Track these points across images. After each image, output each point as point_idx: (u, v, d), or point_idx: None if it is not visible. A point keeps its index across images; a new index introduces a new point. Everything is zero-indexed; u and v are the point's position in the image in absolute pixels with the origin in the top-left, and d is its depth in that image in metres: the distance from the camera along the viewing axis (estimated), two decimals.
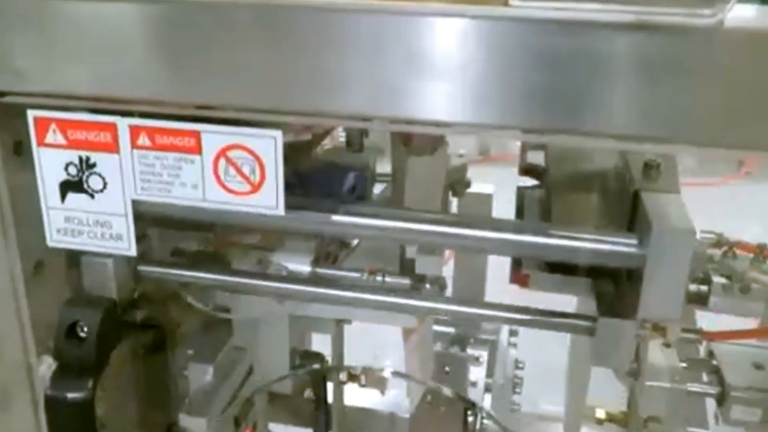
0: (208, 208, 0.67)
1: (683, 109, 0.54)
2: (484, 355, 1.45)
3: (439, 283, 0.90)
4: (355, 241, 0.99)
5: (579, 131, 0.57)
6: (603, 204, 0.88)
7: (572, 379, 1.14)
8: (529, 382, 1.50)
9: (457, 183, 1.17)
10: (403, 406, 1.32)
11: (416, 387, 1.14)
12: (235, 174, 0.64)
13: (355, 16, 0.57)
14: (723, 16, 0.51)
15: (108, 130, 0.65)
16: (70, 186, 0.68)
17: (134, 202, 0.69)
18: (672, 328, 0.95)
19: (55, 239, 0.70)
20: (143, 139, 0.64)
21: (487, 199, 1.31)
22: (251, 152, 0.63)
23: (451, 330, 1.46)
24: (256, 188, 0.65)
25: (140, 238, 0.74)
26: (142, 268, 0.80)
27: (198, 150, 0.64)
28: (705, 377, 0.93)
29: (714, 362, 0.93)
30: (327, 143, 1.04)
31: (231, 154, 0.64)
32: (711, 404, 0.92)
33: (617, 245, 0.71)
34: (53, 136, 0.66)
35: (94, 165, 0.66)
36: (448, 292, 0.97)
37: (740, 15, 0.52)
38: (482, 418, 1.16)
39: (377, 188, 1.11)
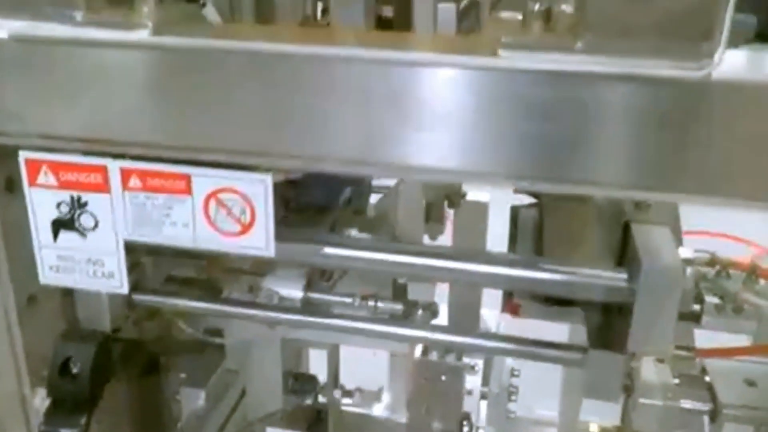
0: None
1: (672, 159, 0.54)
2: (479, 363, 1.45)
3: (431, 309, 0.91)
4: None
5: (568, 180, 0.57)
6: (596, 229, 0.88)
7: (565, 397, 1.15)
8: (524, 387, 1.50)
9: (453, 194, 1.17)
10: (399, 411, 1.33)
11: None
12: (225, 216, 0.64)
13: (345, 64, 0.57)
14: (710, 69, 0.51)
15: (99, 172, 0.65)
16: (62, 224, 0.68)
17: None
18: None
19: (47, 277, 0.70)
20: (134, 181, 0.65)
21: (482, 208, 1.31)
22: (241, 195, 0.64)
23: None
24: (246, 229, 0.65)
25: (134, 265, 0.74)
26: (136, 296, 0.81)
27: (188, 192, 0.64)
28: (698, 393, 0.93)
29: (707, 378, 0.93)
30: None
31: (221, 196, 0.64)
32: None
33: (607, 280, 0.72)
34: (44, 177, 0.66)
35: (85, 204, 0.67)
36: (444, 314, 0.97)
37: (730, 62, 0.52)
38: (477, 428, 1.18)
39: (373, 198, 1.11)
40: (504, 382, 1.50)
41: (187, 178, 0.64)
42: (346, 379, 1.24)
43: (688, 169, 0.55)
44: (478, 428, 1.26)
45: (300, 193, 0.90)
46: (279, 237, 0.67)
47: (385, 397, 1.25)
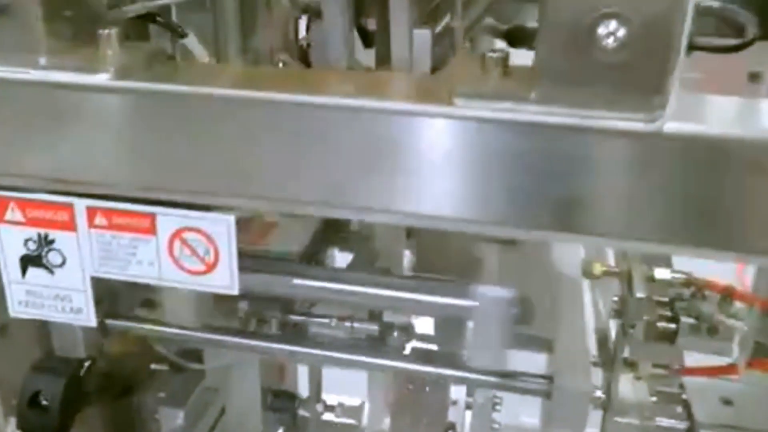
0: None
1: (626, 209, 0.55)
2: None
3: (407, 330, 0.92)
4: None
5: (515, 225, 0.57)
6: None
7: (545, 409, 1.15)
8: (509, 398, 1.51)
9: None
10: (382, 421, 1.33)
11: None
12: (189, 255, 0.65)
13: (308, 110, 0.57)
14: (661, 123, 0.52)
15: (65, 210, 0.66)
16: (30, 261, 0.69)
17: None
18: (643, 364, 0.97)
19: (17, 310, 0.71)
20: (100, 220, 0.65)
21: None
22: (205, 234, 0.64)
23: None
24: (210, 268, 0.65)
25: (108, 292, 0.75)
26: (111, 322, 0.82)
27: (153, 231, 0.65)
28: (675, 412, 0.94)
29: (684, 396, 0.94)
30: None
31: (185, 236, 0.65)
32: None
33: None
34: (12, 214, 0.67)
35: (52, 242, 0.67)
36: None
37: (683, 113, 0.52)
38: None
39: None
40: (489, 392, 1.51)
41: (152, 218, 0.64)
42: (330, 388, 1.24)
43: (644, 218, 0.55)
44: None
45: None
46: (248, 268, 0.68)
47: (367, 408, 1.26)
